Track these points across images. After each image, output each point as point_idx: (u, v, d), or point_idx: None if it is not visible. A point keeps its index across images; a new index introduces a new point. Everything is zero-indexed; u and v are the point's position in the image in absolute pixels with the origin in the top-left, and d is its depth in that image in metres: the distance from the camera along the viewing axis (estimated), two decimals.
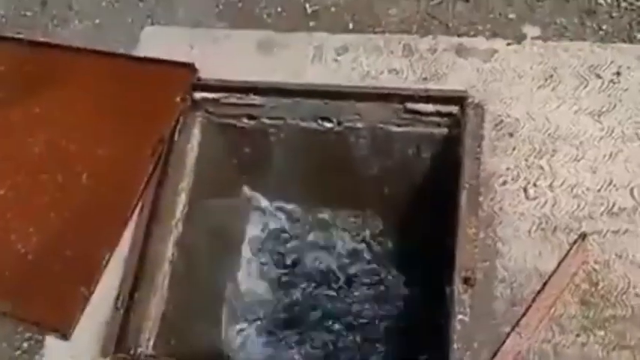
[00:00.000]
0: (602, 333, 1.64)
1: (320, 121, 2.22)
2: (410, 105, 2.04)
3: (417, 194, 2.48)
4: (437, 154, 2.24)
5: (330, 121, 2.21)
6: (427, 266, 2.33)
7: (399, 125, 2.16)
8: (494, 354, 1.64)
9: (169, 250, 2.07)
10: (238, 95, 2.17)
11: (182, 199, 2.15)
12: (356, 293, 2.74)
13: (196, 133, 2.24)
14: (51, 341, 1.85)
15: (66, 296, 1.85)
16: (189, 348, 2.17)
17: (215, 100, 2.20)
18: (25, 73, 2.32)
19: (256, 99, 2.16)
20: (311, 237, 2.85)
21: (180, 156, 2.15)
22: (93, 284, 1.86)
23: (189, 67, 2.12)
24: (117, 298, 1.86)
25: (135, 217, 1.97)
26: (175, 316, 2.08)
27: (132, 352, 1.85)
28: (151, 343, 1.95)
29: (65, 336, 1.81)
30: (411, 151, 2.29)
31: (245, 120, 2.29)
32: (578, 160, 1.85)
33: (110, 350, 1.78)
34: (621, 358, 1.60)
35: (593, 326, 1.65)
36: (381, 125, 2.17)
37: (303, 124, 2.25)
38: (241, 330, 2.65)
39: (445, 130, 2.12)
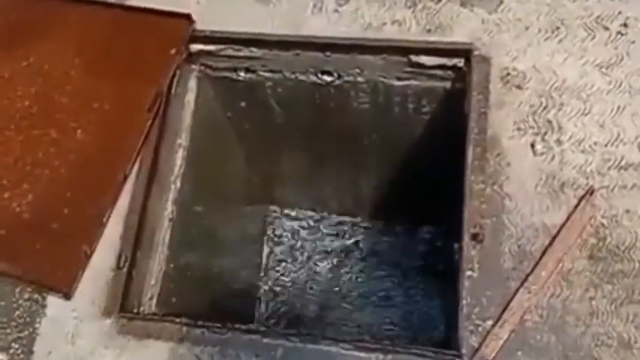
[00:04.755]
0: (610, 288, 1.64)
1: (320, 75, 2.17)
2: (414, 58, 1.98)
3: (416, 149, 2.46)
4: (438, 108, 2.21)
5: (330, 74, 2.16)
6: None
7: (400, 79, 2.12)
8: (503, 309, 1.64)
9: (169, 208, 2.03)
10: (236, 47, 2.10)
11: (180, 155, 2.10)
12: None
13: (192, 87, 2.18)
14: (53, 300, 1.81)
15: (66, 255, 1.80)
16: (190, 307, 2.15)
17: (211, 53, 2.13)
18: (11, 24, 2.21)
19: (254, 51, 2.10)
20: None
21: (177, 111, 2.09)
22: (94, 242, 1.82)
23: (186, 18, 2.04)
24: (119, 257, 1.82)
25: (133, 173, 1.92)
26: (175, 275, 2.06)
27: (135, 311, 1.82)
28: (154, 302, 1.92)
29: (67, 295, 1.77)
30: (411, 106, 2.25)
31: (242, 73, 2.23)
32: (586, 115, 1.83)
33: (114, 310, 1.75)
34: (629, 312, 1.61)
35: (601, 281, 1.65)
36: (383, 79, 2.12)
37: (302, 77, 2.19)
38: None
39: (448, 84, 2.08)
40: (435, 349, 1.63)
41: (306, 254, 2.76)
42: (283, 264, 2.86)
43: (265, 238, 3.04)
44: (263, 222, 3.10)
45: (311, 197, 3.04)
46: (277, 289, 2.81)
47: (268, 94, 2.33)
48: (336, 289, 2.66)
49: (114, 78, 2.04)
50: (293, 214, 2.97)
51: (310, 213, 2.98)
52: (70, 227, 1.84)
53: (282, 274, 2.85)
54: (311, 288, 2.71)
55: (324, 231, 2.79)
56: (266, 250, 2.97)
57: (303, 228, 2.85)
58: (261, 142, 2.67)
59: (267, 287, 2.86)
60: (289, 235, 2.93)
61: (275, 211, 3.03)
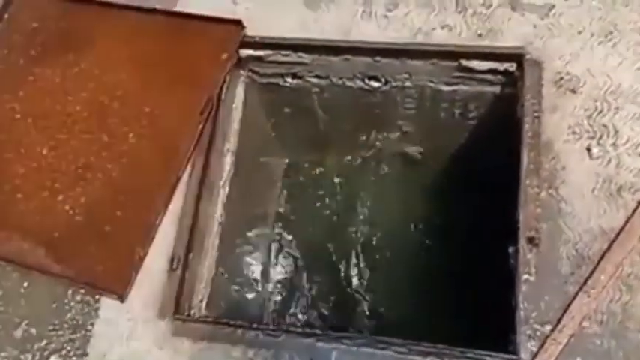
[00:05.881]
0: None
1: (367, 80, 2.17)
2: (464, 62, 1.98)
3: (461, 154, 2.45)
4: (486, 113, 2.20)
5: (377, 80, 2.16)
6: None
7: (448, 84, 2.11)
8: (562, 314, 1.62)
9: (218, 211, 2.03)
10: (284, 53, 2.11)
11: (228, 160, 2.11)
12: None
13: (240, 93, 2.19)
14: (106, 302, 1.82)
15: (120, 257, 1.81)
16: (237, 310, 2.15)
17: (260, 58, 2.14)
18: (61, 31, 2.25)
19: (303, 57, 2.10)
20: None
21: (226, 116, 2.10)
22: (147, 245, 1.83)
23: (237, 24, 2.05)
24: (172, 259, 1.82)
25: (185, 177, 1.93)
26: (224, 278, 2.06)
27: (187, 314, 1.82)
28: (204, 304, 1.92)
29: (122, 297, 1.77)
30: (458, 111, 2.24)
31: (289, 79, 2.24)
32: None
33: (168, 312, 1.76)
34: None
35: None
36: (431, 84, 2.12)
37: (349, 83, 2.20)
38: None
39: (497, 89, 2.07)
40: (492, 353, 1.61)
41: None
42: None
43: None
44: None
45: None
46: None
47: (313, 100, 2.34)
48: None
49: (164, 83, 2.05)
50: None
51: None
52: (124, 230, 1.85)
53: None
54: None
55: None
56: None
57: None
58: (303, 148, 2.67)
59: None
60: None
61: None
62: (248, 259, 2.50)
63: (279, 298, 2.70)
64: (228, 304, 2.10)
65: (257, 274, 2.57)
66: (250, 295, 2.48)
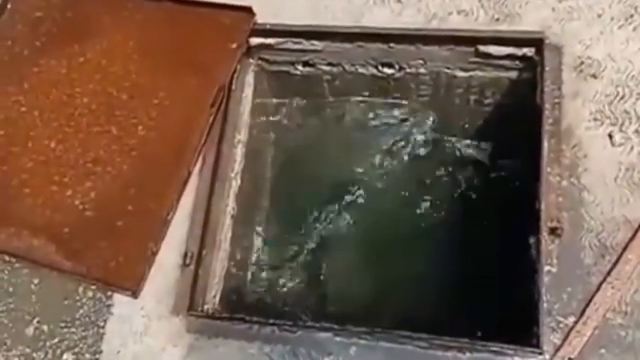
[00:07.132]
0: None
1: (380, 67, 2.12)
2: (482, 48, 1.93)
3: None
4: (502, 99, 2.15)
5: (391, 66, 2.10)
6: None
7: (464, 70, 2.06)
8: (586, 305, 1.58)
9: (230, 205, 1.99)
10: (296, 40, 2.05)
11: (239, 151, 2.07)
12: None
13: (250, 82, 2.14)
14: (119, 299, 1.78)
15: (132, 252, 1.77)
16: (250, 304, 2.12)
17: (270, 46, 2.08)
18: (65, 20, 2.19)
19: (315, 44, 2.05)
20: None
21: (236, 106, 2.05)
22: (159, 239, 1.79)
23: (247, 11, 1.99)
24: (185, 255, 1.78)
25: (196, 169, 1.89)
26: (236, 272, 2.02)
27: (200, 309, 1.78)
28: (217, 299, 1.89)
29: (135, 293, 1.74)
30: (473, 97, 2.19)
31: (300, 67, 2.19)
32: None
33: (182, 308, 1.72)
34: None
35: None
36: (446, 70, 2.07)
37: (362, 70, 2.15)
38: None
39: (514, 74, 2.02)
40: (514, 347, 1.58)
41: None
42: None
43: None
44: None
45: None
46: None
47: (324, 88, 2.28)
48: None
49: (173, 73, 2.00)
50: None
51: None
52: (135, 224, 1.81)
53: None
54: None
55: None
56: None
57: None
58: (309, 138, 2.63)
59: None
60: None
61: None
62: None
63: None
64: (240, 297, 2.06)
65: None
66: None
